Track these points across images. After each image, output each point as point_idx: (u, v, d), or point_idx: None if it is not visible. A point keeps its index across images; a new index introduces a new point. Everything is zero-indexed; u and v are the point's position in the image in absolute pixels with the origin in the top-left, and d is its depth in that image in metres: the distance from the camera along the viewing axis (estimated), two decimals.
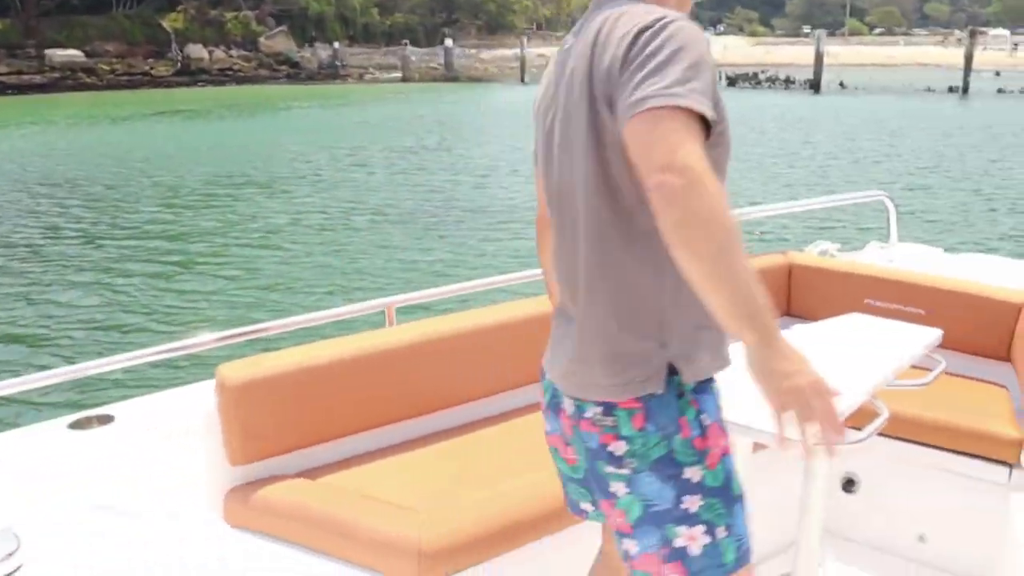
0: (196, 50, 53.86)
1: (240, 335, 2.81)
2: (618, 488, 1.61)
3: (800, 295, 3.80)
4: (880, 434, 2.01)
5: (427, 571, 2.08)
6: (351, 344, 2.60)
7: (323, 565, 2.16)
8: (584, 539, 2.19)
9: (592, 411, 1.60)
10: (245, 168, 18.76)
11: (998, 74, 48.58)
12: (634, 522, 1.60)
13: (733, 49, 63.22)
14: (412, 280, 9.79)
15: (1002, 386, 3.19)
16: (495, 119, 29.53)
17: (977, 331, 3.30)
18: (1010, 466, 2.78)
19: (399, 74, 57.09)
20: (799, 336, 2.32)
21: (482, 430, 2.78)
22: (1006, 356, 3.28)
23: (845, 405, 1.78)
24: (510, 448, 2.65)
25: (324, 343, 2.59)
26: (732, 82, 49.79)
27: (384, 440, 2.67)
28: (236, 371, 2.38)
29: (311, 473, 2.48)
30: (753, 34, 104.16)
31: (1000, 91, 41.57)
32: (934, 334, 2.43)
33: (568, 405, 1.67)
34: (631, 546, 1.62)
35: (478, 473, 2.50)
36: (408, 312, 3.00)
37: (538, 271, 2.88)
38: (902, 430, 2.91)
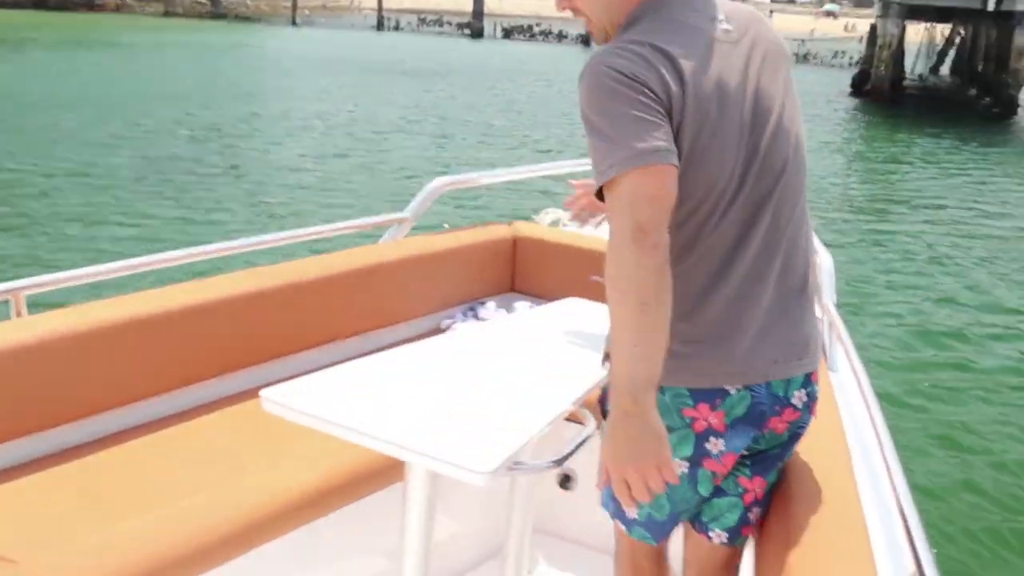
0: None
1: None
2: None
3: (525, 270, 3.56)
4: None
5: None
6: None
7: None
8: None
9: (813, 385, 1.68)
10: None
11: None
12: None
13: (509, 0, 63.65)
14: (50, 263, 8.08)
15: None
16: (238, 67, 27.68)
17: None
18: None
19: (161, 7, 53.63)
20: (508, 329, 2.16)
21: (121, 445, 2.32)
22: None
23: (541, 423, 1.61)
24: (155, 468, 2.22)
25: None
26: (507, 34, 50.35)
27: None
28: None
29: None
30: None
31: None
32: None
33: (801, 393, 1.64)
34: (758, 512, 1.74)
35: (110, 504, 2.03)
36: (45, 300, 2.50)
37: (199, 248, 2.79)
38: None
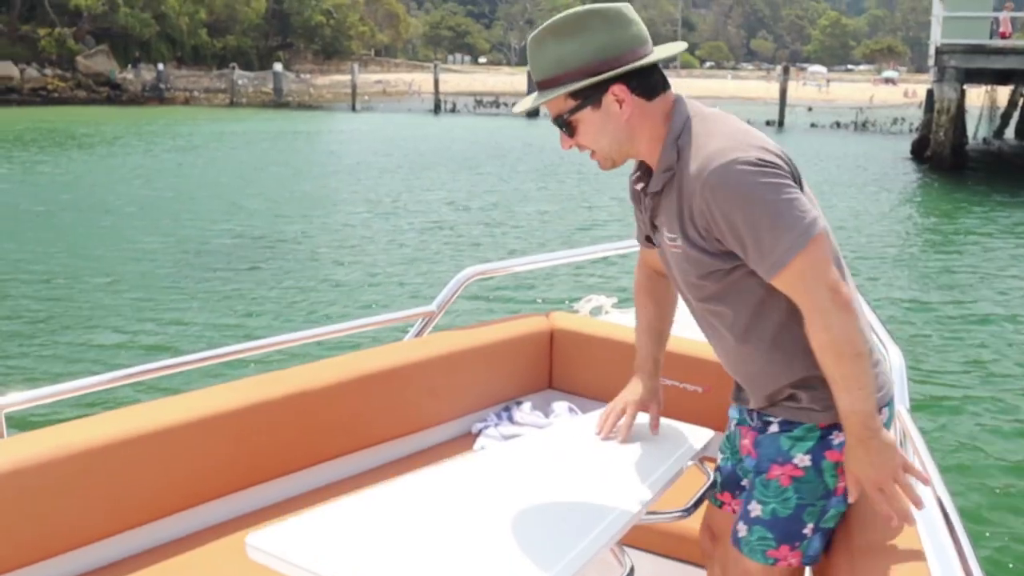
0: (5, 67, 50.63)
1: None
2: None
3: (564, 366, 3.26)
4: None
5: None
6: None
7: None
8: None
9: None
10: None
11: (810, 109, 51.26)
12: None
13: None
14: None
15: None
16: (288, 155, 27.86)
17: None
18: None
19: (227, 97, 55.42)
20: (542, 448, 1.94)
21: None
22: None
23: (576, 560, 1.42)
24: None
25: None
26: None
27: None
28: None
29: None
30: None
31: (812, 125, 43.84)
32: (703, 438, 2.02)
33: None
34: None
35: None
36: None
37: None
38: (662, 546, 2.42)
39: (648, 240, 2.07)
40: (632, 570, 1.60)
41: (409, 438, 2.84)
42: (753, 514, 1.90)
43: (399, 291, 10.51)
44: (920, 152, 27.92)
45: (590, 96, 1.79)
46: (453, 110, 52.29)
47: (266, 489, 2.47)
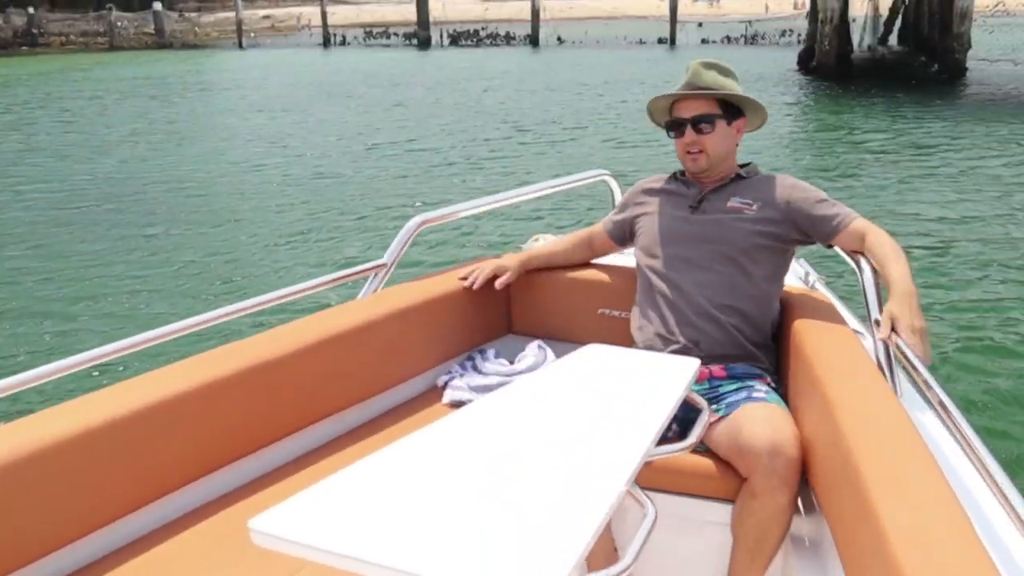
0: None
1: None
2: None
3: (523, 307, 3.26)
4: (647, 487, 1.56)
5: None
6: None
7: None
8: None
9: None
10: None
11: (700, 25, 51.72)
12: None
13: (452, 6, 63.57)
14: None
15: None
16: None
17: None
18: None
19: (106, 41, 52.98)
20: (532, 395, 1.80)
21: None
22: None
23: (597, 519, 1.28)
24: None
25: None
26: (454, 40, 50.21)
27: None
28: None
29: None
30: None
31: (703, 41, 44.32)
32: (692, 366, 1.97)
33: None
34: None
35: None
36: None
37: None
38: (661, 481, 2.37)
39: (617, 237, 3.04)
40: (655, 512, 1.50)
41: (376, 399, 2.79)
42: (755, 392, 2.44)
43: (338, 248, 9.49)
44: (806, 63, 28.54)
45: (729, 113, 2.71)
46: (343, 43, 51.08)
47: (238, 469, 2.37)
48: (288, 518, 1.29)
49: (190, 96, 26.36)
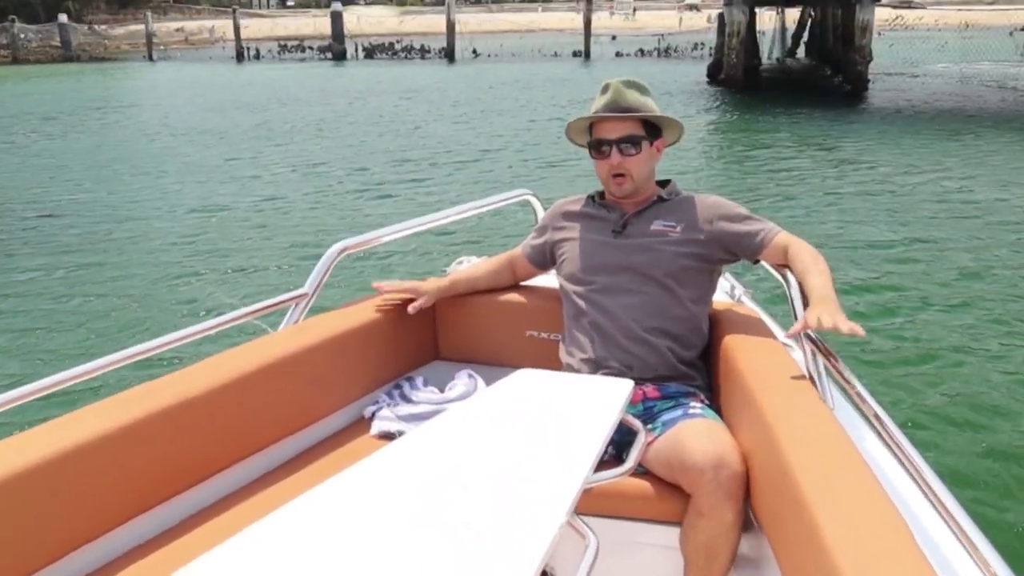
0: None
1: None
2: None
3: (448, 332, 3.20)
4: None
5: None
6: None
7: None
8: None
9: None
10: None
11: (614, 38, 52.43)
12: None
13: (367, 19, 63.27)
14: None
15: None
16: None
17: None
18: None
19: (9, 54, 51.23)
20: (464, 429, 1.72)
21: None
22: None
23: (540, 543, 1.25)
24: None
25: None
26: (369, 54, 49.98)
27: None
28: None
29: None
30: (401, 3, 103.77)
31: (618, 54, 44.93)
32: (626, 388, 1.93)
33: None
34: None
35: None
36: None
37: None
38: (601, 506, 2.32)
39: (537, 261, 3.06)
40: (597, 543, 1.47)
41: (301, 433, 2.70)
42: (691, 409, 2.45)
43: (251, 279, 8.82)
44: (715, 75, 29.17)
45: (651, 134, 2.70)
46: (257, 57, 50.37)
47: (155, 516, 2.23)
48: (211, 571, 1.20)
49: (87, 116, 24.95)
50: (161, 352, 2.54)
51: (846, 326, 2.18)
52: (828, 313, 2.24)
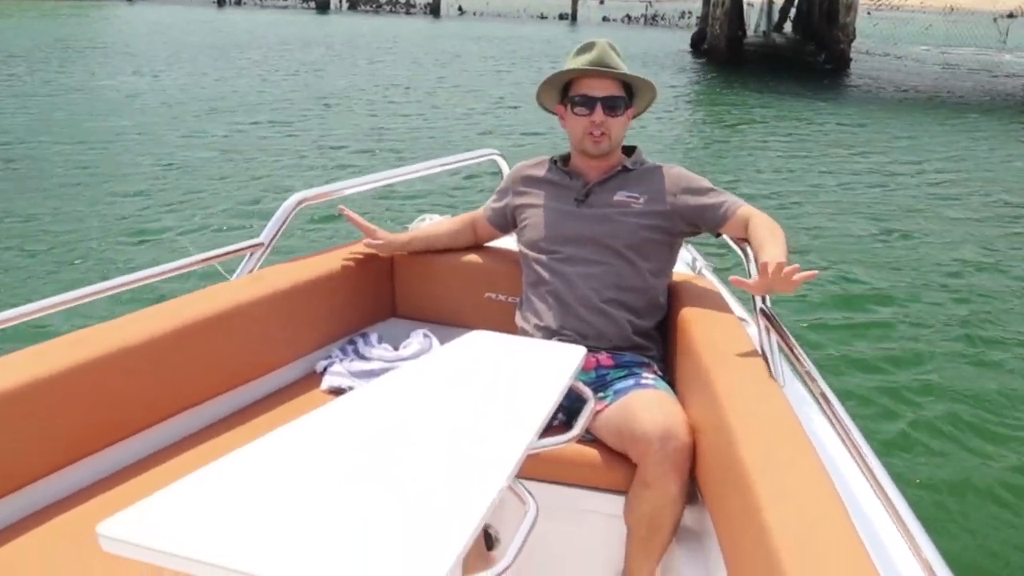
0: None
1: None
2: None
3: (408, 290, 3.17)
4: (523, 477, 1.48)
5: None
6: None
7: None
8: None
9: None
10: None
11: (602, 2, 52.14)
12: None
13: None
14: None
15: None
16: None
17: None
18: None
19: None
20: (413, 386, 1.70)
21: None
22: None
23: (476, 519, 1.22)
24: None
25: None
26: (353, 5, 49.44)
27: None
28: None
29: None
30: None
31: (604, 19, 44.72)
32: (578, 355, 1.92)
33: None
34: None
35: None
36: None
37: None
38: (547, 471, 2.34)
39: (498, 224, 2.99)
40: (536, 509, 1.42)
41: (251, 385, 2.64)
42: (643, 380, 2.44)
43: (207, 227, 8.58)
44: (698, 45, 29.10)
45: (629, 99, 2.67)
46: (238, 3, 49.65)
47: (92, 463, 2.18)
48: (142, 520, 1.15)
49: (53, 56, 24.04)
50: (111, 294, 2.48)
51: (799, 274, 2.23)
52: (777, 260, 2.28)
